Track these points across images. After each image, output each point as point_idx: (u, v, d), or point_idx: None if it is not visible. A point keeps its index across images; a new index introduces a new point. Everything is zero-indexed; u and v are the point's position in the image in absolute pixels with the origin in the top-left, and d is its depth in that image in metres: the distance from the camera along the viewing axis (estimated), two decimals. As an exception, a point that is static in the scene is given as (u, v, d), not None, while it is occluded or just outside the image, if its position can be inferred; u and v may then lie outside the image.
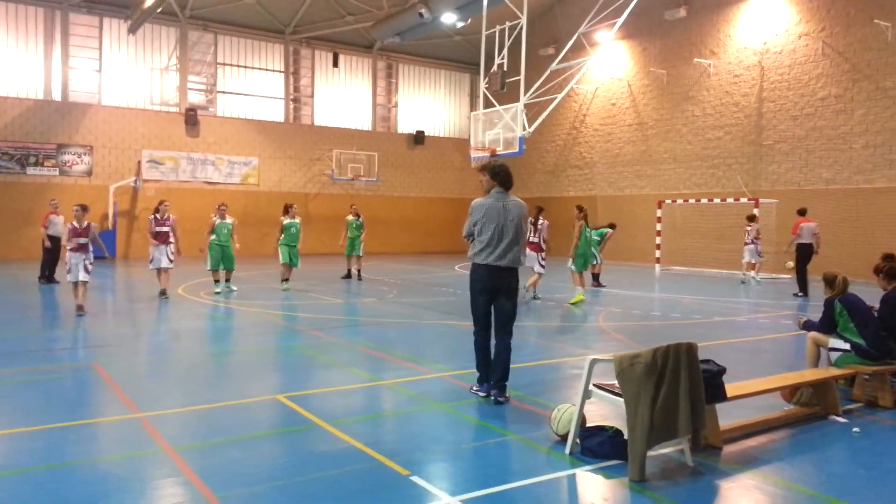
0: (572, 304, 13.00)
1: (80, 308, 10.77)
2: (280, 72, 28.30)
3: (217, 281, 14.21)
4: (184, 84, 26.05)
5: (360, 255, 17.43)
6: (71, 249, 10.73)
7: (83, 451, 4.76)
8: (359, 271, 17.53)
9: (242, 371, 7.46)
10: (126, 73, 25.18)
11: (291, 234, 14.57)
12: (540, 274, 13.63)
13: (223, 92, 27.14)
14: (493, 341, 6.18)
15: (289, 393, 6.31)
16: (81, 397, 6.30)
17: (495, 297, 6.15)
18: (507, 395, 6.09)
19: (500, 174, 6.18)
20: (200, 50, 26.59)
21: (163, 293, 12.82)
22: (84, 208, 11.10)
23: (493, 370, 6.12)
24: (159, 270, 12.94)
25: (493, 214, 6.06)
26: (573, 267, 13.78)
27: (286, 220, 14.66)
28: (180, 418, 5.58)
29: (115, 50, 24.98)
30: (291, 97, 28.69)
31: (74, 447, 4.83)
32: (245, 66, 27.57)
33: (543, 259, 13.72)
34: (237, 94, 27.42)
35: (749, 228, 18.07)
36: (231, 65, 27.31)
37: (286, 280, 14.61)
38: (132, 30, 23.70)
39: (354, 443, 4.92)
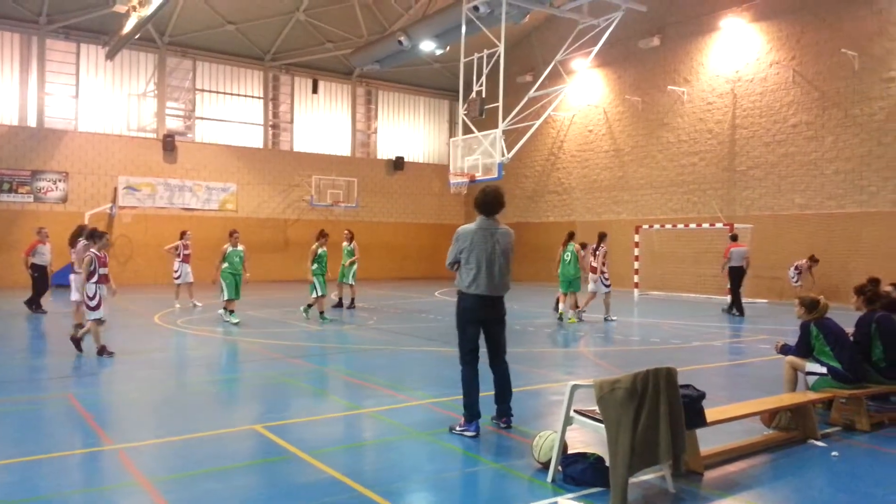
0: (570, 321, 14.23)
1: (104, 350, 9.60)
2: (259, 98, 28.32)
3: (233, 311, 13.50)
4: (162, 110, 25.95)
5: (352, 283, 16.70)
6: (97, 282, 9.61)
7: (56, 485, 4.64)
8: (352, 300, 16.81)
9: (219, 400, 7.35)
10: (103, 98, 25.05)
11: (234, 263, 13.58)
12: (593, 293, 14.83)
13: (201, 118, 27.07)
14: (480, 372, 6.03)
15: (267, 423, 6.21)
16: (54, 429, 6.15)
17: (485, 326, 6.01)
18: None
19: (479, 203, 5.97)
20: (179, 76, 26.56)
21: (77, 328, 10.60)
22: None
23: (501, 399, 6.04)
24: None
25: (480, 244, 5.86)
26: (561, 290, 14.56)
27: (230, 248, 13.65)
28: (156, 450, 5.47)
29: (93, 76, 24.86)
30: (270, 123, 28.69)
31: (47, 481, 4.70)
32: (224, 93, 27.57)
33: (607, 280, 14.87)
34: (216, 119, 27.37)
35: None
36: (210, 91, 27.29)
37: (233, 312, 13.57)
38: (110, 56, 23.63)
39: (334, 473, 4.85)
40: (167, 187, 25.61)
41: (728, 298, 17.11)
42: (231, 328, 12.88)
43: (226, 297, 13.50)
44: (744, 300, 16.87)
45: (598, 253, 14.74)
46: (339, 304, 16.88)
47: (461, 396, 5.94)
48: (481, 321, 5.99)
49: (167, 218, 25.48)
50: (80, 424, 6.22)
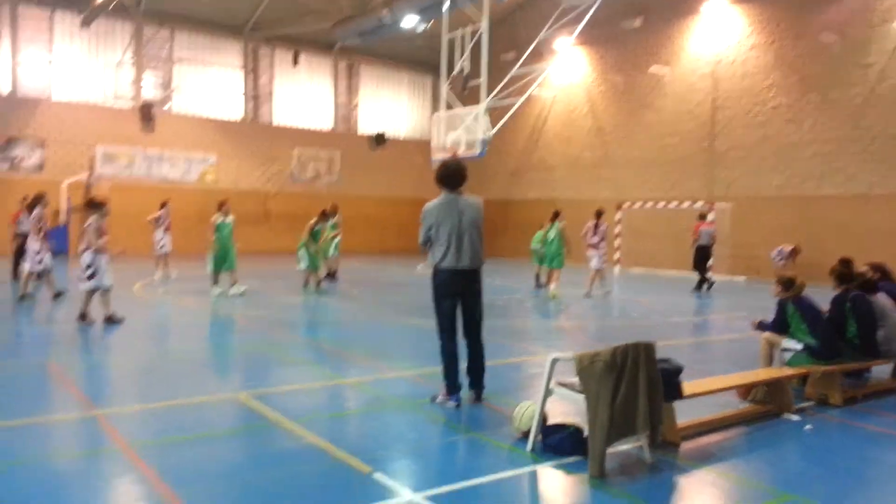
0: (551, 296, 14.44)
1: (113, 317, 9.51)
2: (239, 69, 27.90)
3: (216, 283, 13.26)
4: (139, 80, 25.48)
5: (336, 255, 16.69)
6: (97, 250, 9.42)
7: (37, 451, 4.62)
8: (334, 272, 16.73)
9: (202, 369, 7.34)
10: (79, 67, 24.51)
11: (224, 235, 13.32)
12: (597, 270, 14.88)
13: (180, 88, 26.62)
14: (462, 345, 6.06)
15: (250, 391, 6.22)
16: (34, 395, 6.10)
17: (462, 300, 5.99)
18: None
19: (441, 178, 5.94)
20: (156, 45, 26.04)
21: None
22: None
23: (473, 371, 6.05)
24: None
25: (447, 217, 5.83)
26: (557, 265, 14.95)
27: (220, 219, 13.42)
28: (138, 416, 5.47)
29: (68, 44, 24.30)
30: (250, 95, 28.30)
31: (28, 446, 4.68)
32: (203, 63, 27.11)
33: (601, 257, 15.05)
34: (194, 90, 26.93)
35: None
36: (188, 61, 26.81)
37: (216, 282, 13.34)
38: (85, 23, 23.08)
39: (316, 441, 4.88)
40: (145, 158, 25.24)
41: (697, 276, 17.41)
42: (217, 298, 12.79)
43: (210, 269, 13.29)
44: (722, 277, 17.12)
45: (599, 230, 15.04)
46: (328, 276, 16.81)
47: (442, 368, 5.98)
48: (457, 294, 5.95)
49: (145, 189, 25.12)
50: (60, 391, 6.19)
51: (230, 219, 13.51)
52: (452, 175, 5.92)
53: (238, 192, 26.72)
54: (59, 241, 22.26)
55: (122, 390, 6.40)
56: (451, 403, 5.85)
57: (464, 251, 5.84)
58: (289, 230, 27.45)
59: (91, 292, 9.47)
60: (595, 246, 14.95)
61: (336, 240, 16.70)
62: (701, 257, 17.01)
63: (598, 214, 15.44)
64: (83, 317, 9.47)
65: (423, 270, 18.37)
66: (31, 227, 11.72)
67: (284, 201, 28.21)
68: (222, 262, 13.28)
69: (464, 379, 6.05)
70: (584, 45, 25.67)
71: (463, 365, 6.03)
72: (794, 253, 18.87)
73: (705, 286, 16.80)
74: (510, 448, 4.90)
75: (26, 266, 11.69)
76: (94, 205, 9.89)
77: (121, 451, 4.63)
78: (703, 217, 17.65)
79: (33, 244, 11.45)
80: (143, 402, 5.90)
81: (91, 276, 9.41)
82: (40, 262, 11.41)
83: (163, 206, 17.12)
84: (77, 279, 9.68)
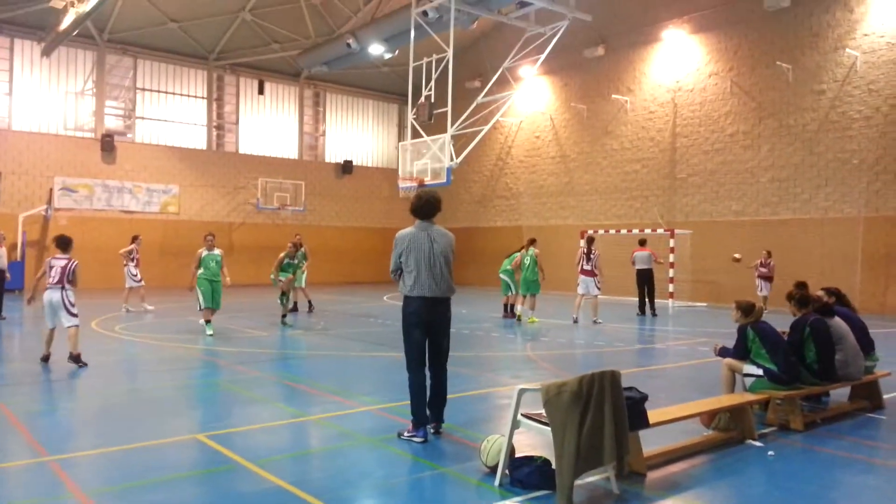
0: (530, 322, 15.03)
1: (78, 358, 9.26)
2: (203, 98, 27.73)
3: (209, 322, 12.52)
4: (100, 109, 25.16)
5: (303, 286, 16.77)
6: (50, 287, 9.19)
7: (-16, 501, 4.44)
8: (309, 302, 16.88)
9: (160, 409, 7.15)
10: (39, 96, 24.14)
11: (211, 269, 12.56)
12: (594, 297, 15.26)
13: (142, 118, 26.35)
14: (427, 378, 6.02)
15: (210, 432, 6.07)
16: (-17, 441, 5.89)
17: (430, 330, 5.97)
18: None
19: (415, 208, 6.00)
20: (118, 74, 25.79)
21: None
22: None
23: (433, 404, 5.99)
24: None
25: (417, 245, 5.89)
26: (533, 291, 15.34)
27: (205, 252, 12.67)
28: (93, 461, 5.29)
29: (28, 73, 23.94)
30: (214, 124, 28.12)
31: (-26, 496, 4.50)
32: (166, 92, 26.90)
33: (599, 283, 15.48)
34: (157, 119, 26.68)
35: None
36: (151, 90, 26.59)
37: (209, 322, 12.67)
38: (46, 52, 22.80)
39: (280, 482, 4.77)
40: (105, 189, 24.82)
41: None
42: (178, 335, 12.54)
43: (202, 307, 12.49)
44: (683, 303, 17.31)
45: (592, 256, 15.36)
46: (295, 309, 16.66)
47: (407, 402, 5.93)
48: (426, 323, 5.95)
49: (105, 220, 24.70)
50: (13, 435, 5.97)
51: (216, 251, 12.66)
52: (426, 205, 6.01)
53: (202, 222, 26.43)
54: (15, 275, 21.75)
55: (76, 433, 6.19)
56: (418, 438, 5.80)
57: (434, 279, 5.88)
58: (254, 261, 27.25)
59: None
60: (589, 273, 15.29)
61: (304, 272, 16.69)
62: (640, 282, 17.65)
63: (590, 241, 15.78)
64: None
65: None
66: None
67: (249, 232, 27.95)
68: (210, 297, 12.43)
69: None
70: (548, 73, 26.11)
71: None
72: (768, 255, 18.49)
73: (648, 310, 17.43)
74: (478, 483, 4.85)
75: None
76: (65, 243, 9.64)
77: (75, 497, 4.47)
78: (641, 243, 18.21)
79: None
80: (97, 445, 5.71)
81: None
82: None
83: (134, 239, 17.01)
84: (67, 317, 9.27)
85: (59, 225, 23.39)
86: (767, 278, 18.20)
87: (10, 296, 19.51)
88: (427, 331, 5.97)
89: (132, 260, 16.71)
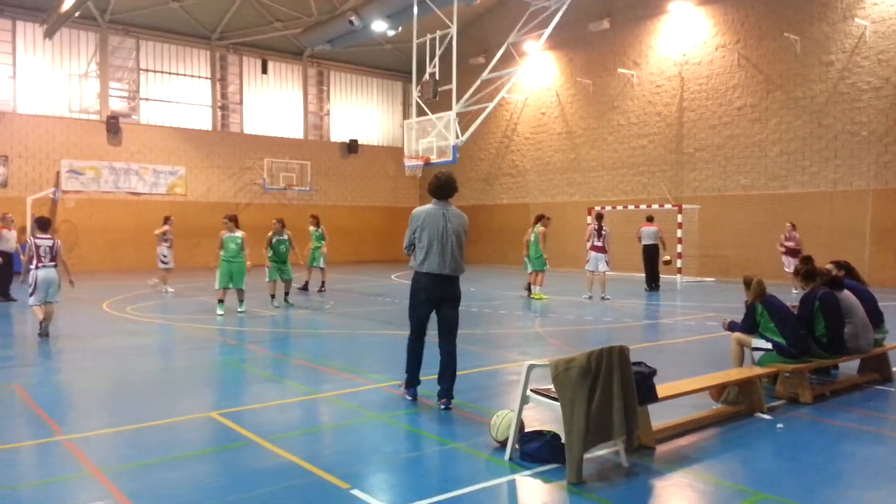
0: (536, 298, 15.15)
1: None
2: (206, 78, 27.62)
3: (221, 301, 12.57)
4: (104, 91, 25.09)
5: (323, 266, 16.70)
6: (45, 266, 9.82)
7: (4, 478, 4.50)
8: (322, 283, 16.78)
9: (173, 388, 7.22)
10: (43, 79, 24.08)
11: (230, 250, 12.56)
12: (605, 273, 15.45)
13: (146, 99, 26.28)
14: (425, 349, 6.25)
15: (222, 409, 6.15)
16: (1, 420, 5.96)
17: (439, 306, 6.15)
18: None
19: (432, 188, 6.20)
20: (122, 55, 25.68)
21: None
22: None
23: (443, 378, 6.13)
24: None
25: (432, 222, 6.04)
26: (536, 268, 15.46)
27: (226, 234, 12.66)
28: (108, 439, 5.36)
29: (31, 55, 23.87)
30: (219, 104, 28.02)
31: (-7, 475, 4.57)
32: (169, 73, 26.80)
33: (608, 259, 15.60)
34: (161, 101, 26.61)
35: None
36: (154, 71, 26.49)
37: (221, 302, 12.66)
38: (48, 34, 22.71)
39: (292, 458, 4.83)
40: (112, 170, 24.85)
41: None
42: (189, 315, 12.63)
43: (217, 286, 12.59)
44: (691, 278, 17.28)
45: (603, 233, 15.50)
46: (305, 288, 16.72)
47: (406, 362, 6.30)
48: (434, 300, 6.11)
49: (113, 202, 24.77)
50: (28, 415, 6.05)
51: (238, 233, 12.71)
52: (443, 186, 6.19)
53: (208, 203, 26.47)
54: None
55: (91, 413, 6.27)
56: (408, 397, 6.33)
57: (445, 256, 6.02)
58: (260, 242, 27.20)
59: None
60: (599, 249, 15.42)
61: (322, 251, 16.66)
62: (647, 257, 17.77)
63: (599, 217, 15.87)
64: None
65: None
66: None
67: (256, 212, 27.96)
68: (227, 279, 12.54)
69: (428, 386, 6.07)
70: (553, 48, 25.86)
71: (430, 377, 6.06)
72: (793, 227, 17.72)
73: (653, 285, 17.60)
74: (488, 458, 4.90)
75: None
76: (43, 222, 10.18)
77: (92, 476, 4.54)
78: (649, 219, 18.25)
79: None
80: (112, 424, 5.78)
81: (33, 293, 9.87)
82: None
83: (166, 220, 16.93)
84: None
85: (66, 207, 23.48)
86: (793, 252, 16.81)
87: (19, 278, 19.69)
88: (435, 306, 6.14)
89: (166, 241, 16.59)
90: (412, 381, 6.34)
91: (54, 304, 10.03)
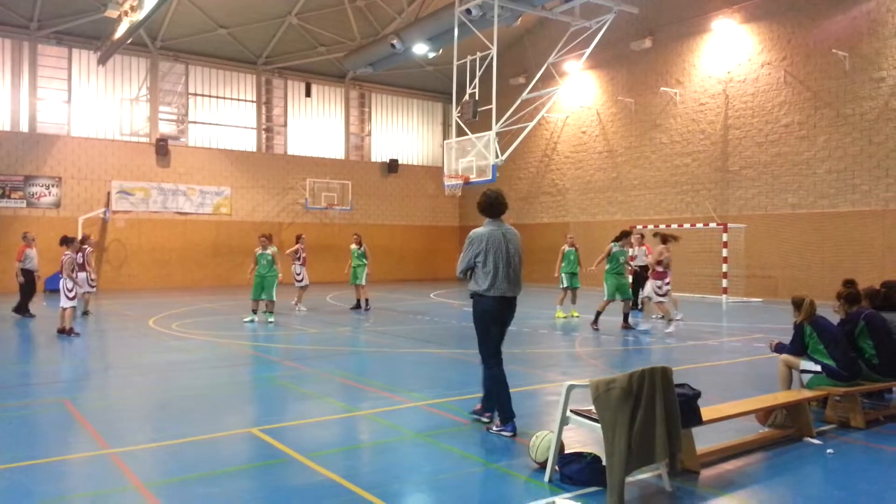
0: (566, 316, 15.05)
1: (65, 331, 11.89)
2: (252, 101, 28.30)
3: (254, 311, 14.26)
4: (154, 114, 25.90)
5: (363, 284, 16.83)
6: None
7: (52, 491, 4.62)
8: (366, 301, 16.91)
9: (215, 404, 7.33)
10: (96, 103, 24.99)
11: (261, 266, 14.21)
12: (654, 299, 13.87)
13: (194, 122, 27.03)
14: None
15: (263, 426, 6.21)
16: (50, 434, 6.13)
17: (501, 328, 6.06)
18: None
19: (485, 206, 6.02)
20: (171, 80, 26.51)
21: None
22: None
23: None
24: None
25: (495, 244, 5.88)
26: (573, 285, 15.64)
27: (259, 251, 14.41)
28: (152, 454, 5.46)
29: (85, 81, 24.81)
30: (264, 127, 28.66)
31: (43, 486, 4.69)
32: (217, 97, 27.54)
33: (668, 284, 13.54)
34: (209, 123, 27.33)
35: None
36: (202, 95, 27.25)
37: (253, 311, 14.36)
38: (102, 61, 23.58)
39: (331, 475, 4.85)
40: (160, 191, 25.56)
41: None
42: (231, 332, 12.84)
43: (251, 297, 14.28)
44: (737, 298, 16.75)
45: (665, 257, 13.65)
46: (357, 306, 16.95)
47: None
48: (502, 322, 6.04)
49: (161, 222, 25.44)
50: (77, 429, 6.21)
51: (269, 250, 14.20)
52: (493, 203, 6.03)
53: (253, 223, 26.98)
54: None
55: (136, 427, 6.40)
56: (508, 433, 5.82)
57: (511, 278, 5.93)
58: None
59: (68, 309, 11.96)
60: (659, 275, 13.51)
61: (364, 270, 16.77)
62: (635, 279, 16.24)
63: (665, 240, 13.60)
64: (69, 330, 11.91)
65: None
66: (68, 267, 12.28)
67: (298, 231, 28.40)
68: (259, 291, 14.03)
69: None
70: (594, 67, 25.81)
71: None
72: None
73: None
74: (527, 479, 4.84)
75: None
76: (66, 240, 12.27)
77: (136, 490, 4.62)
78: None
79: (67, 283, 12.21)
80: (156, 439, 5.89)
81: (72, 298, 12.01)
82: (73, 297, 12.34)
83: (298, 239, 17.25)
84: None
85: (116, 227, 24.19)
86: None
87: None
88: (502, 327, 6.06)
89: (298, 259, 16.91)
90: (510, 414, 5.85)
91: (62, 308, 12.00)
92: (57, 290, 12.58)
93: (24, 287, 14.90)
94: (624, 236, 13.83)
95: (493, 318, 5.95)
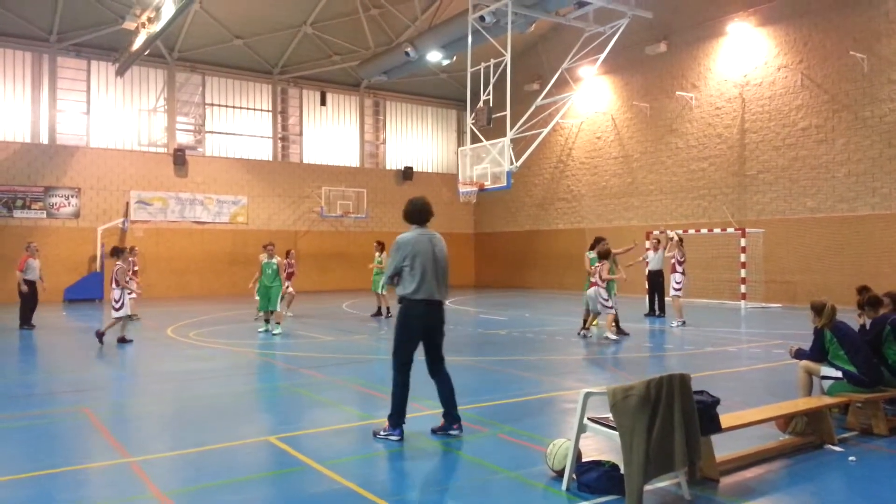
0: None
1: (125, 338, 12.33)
2: (268, 111, 28.51)
3: (267, 321, 14.14)
4: (172, 125, 26.18)
5: (382, 292, 16.74)
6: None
7: (73, 499, 4.67)
8: (387, 308, 16.82)
9: (233, 412, 7.36)
10: (114, 114, 25.29)
11: (267, 275, 13.85)
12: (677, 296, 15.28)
13: (211, 132, 27.28)
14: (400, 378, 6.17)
15: (280, 434, 6.23)
16: (70, 442, 6.19)
17: (431, 334, 6.12)
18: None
19: (412, 213, 6.21)
20: (188, 91, 26.79)
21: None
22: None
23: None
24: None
25: (422, 249, 5.99)
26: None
27: (265, 260, 14.03)
28: (170, 462, 5.50)
29: (103, 92, 25.13)
30: (279, 136, 28.86)
31: (64, 494, 4.74)
32: (233, 106, 27.78)
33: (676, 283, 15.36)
34: (225, 133, 27.57)
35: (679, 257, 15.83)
36: (219, 105, 27.51)
37: (267, 321, 14.07)
38: (120, 72, 23.88)
39: (348, 483, 4.85)
40: (178, 201, 25.80)
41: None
42: (247, 340, 12.92)
43: (258, 309, 14.32)
44: (757, 304, 16.61)
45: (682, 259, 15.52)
46: (378, 313, 17.04)
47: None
48: (427, 328, 6.08)
49: (178, 231, 25.66)
50: (96, 437, 6.26)
51: (274, 260, 14.02)
52: (421, 210, 6.22)
53: (269, 231, 27.14)
54: (94, 286, 22.78)
55: (155, 436, 6.44)
56: (394, 437, 5.96)
57: (438, 282, 6.03)
58: (320, 268, 27.92)
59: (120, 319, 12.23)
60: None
61: (381, 277, 16.77)
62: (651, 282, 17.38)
63: (680, 241, 15.80)
64: (122, 339, 12.22)
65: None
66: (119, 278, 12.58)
67: (314, 239, 28.58)
68: (266, 302, 13.85)
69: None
70: (609, 72, 25.75)
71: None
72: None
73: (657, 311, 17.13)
74: (545, 487, 4.81)
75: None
76: (116, 251, 12.62)
77: (155, 497, 4.65)
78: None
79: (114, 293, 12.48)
80: (174, 447, 5.93)
81: (120, 308, 12.17)
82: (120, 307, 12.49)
83: (288, 254, 17.43)
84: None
85: (135, 237, 24.41)
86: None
87: (91, 305, 20.51)
88: (425, 334, 6.10)
89: (283, 273, 16.96)
90: (402, 419, 6.04)
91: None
92: (78, 300, 12.75)
93: (26, 297, 14.86)
94: (597, 243, 14.06)
95: (418, 324, 6.01)
